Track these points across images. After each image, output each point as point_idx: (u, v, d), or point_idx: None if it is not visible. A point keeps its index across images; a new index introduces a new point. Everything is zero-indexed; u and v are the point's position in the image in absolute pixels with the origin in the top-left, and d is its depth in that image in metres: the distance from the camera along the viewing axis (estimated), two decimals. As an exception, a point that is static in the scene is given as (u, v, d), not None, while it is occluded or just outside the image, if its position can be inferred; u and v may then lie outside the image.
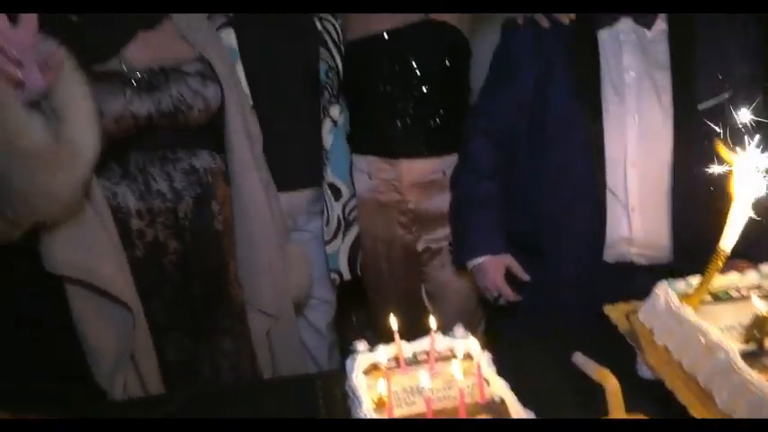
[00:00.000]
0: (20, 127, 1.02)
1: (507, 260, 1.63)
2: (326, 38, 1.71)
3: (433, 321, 1.04)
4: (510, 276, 1.62)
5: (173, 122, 1.27)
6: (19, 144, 1.01)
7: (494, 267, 1.62)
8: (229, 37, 1.56)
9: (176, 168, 1.29)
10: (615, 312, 1.17)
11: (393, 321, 1.05)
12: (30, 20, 1.02)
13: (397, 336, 1.03)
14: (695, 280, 1.09)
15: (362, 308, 2.21)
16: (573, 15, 1.52)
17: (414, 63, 1.76)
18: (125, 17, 1.24)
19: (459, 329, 1.07)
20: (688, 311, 1.02)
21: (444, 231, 1.84)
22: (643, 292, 1.12)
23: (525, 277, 1.61)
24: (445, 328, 1.07)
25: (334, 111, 1.72)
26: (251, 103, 1.55)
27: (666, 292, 1.06)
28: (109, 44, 1.23)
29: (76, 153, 1.07)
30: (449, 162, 1.81)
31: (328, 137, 1.71)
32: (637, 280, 1.44)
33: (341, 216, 1.77)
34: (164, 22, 1.32)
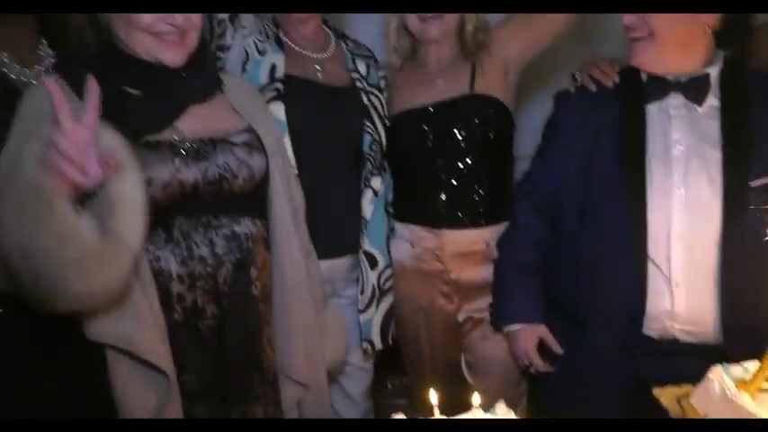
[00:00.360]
0: (70, 232, 1.05)
1: (541, 331, 1.63)
2: (372, 111, 1.77)
3: (476, 398, 1.02)
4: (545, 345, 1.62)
5: (217, 190, 1.31)
6: (68, 249, 1.04)
7: (527, 337, 1.64)
8: (278, 110, 1.62)
9: (218, 234, 1.31)
10: (666, 396, 1.12)
11: (433, 396, 1.03)
12: (91, 115, 1.07)
13: (437, 412, 1.01)
14: (752, 365, 1.03)
15: (398, 374, 2.17)
16: (616, 78, 1.55)
17: (458, 135, 1.79)
18: (181, 91, 1.31)
19: (500, 406, 1.03)
20: (745, 399, 0.96)
21: (486, 302, 1.81)
22: (688, 370, 1.08)
23: (558, 350, 1.61)
24: (486, 402, 1.04)
25: (376, 182, 1.75)
26: (296, 172, 1.59)
27: (722, 378, 1.01)
28: (164, 117, 1.29)
29: (125, 247, 1.11)
30: (492, 233, 1.81)
31: (368, 207, 1.74)
32: (682, 358, 1.39)
33: (375, 285, 1.77)
34: (216, 95, 1.39)
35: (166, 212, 1.27)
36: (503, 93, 1.83)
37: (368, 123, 1.74)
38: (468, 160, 1.80)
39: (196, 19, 1.31)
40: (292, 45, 1.75)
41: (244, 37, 1.68)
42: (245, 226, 1.34)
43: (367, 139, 1.73)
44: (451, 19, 1.80)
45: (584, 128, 1.55)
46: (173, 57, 1.29)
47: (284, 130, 1.60)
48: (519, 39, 1.84)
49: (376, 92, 1.80)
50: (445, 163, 1.79)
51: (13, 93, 1.39)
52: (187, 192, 1.27)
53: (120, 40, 1.27)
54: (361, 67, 1.81)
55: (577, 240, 1.57)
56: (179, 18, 1.27)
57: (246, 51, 1.67)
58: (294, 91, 1.66)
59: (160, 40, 1.27)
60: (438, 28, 1.80)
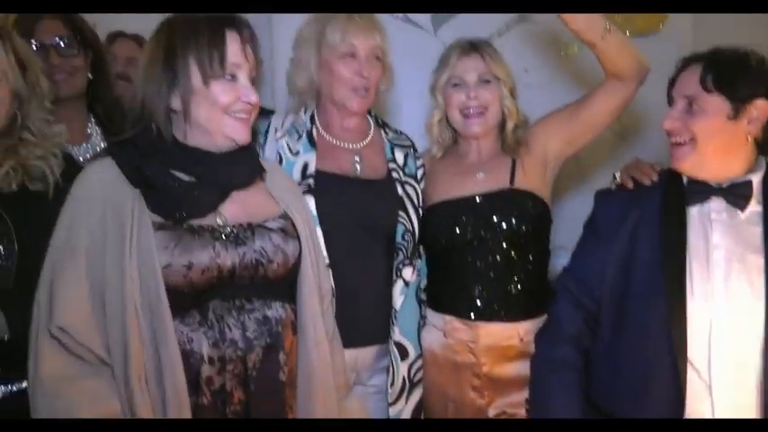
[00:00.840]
0: None
1: None
2: (407, 201, 1.79)
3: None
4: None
5: (253, 274, 1.34)
6: None
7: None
8: (309, 203, 1.66)
9: (250, 318, 1.33)
10: None
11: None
12: None
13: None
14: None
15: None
16: (655, 177, 1.57)
17: (496, 228, 1.80)
18: (228, 177, 1.37)
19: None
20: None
21: (519, 397, 1.76)
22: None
23: None
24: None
25: (407, 272, 1.76)
26: (327, 261, 1.61)
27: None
28: (211, 202, 1.34)
29: None
30: (527, 328, 1.79)
31: (399, 297, 1.73)
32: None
33: (406, 377, 1.74)
34: (256, 182, 1.44)
35: (202, 295, 1.30)
36: (541, 187, 1.85)
37: (402, 214, 1.76)
38: (504, 253, 1.80)
39: (256, 98, 1.37)
40: (329, 138, 1.81)
41: (277, 140, 1.76)
42: (275, 310, 1.36)
43: (400, 229, 1.75)
44: (493, 116, 1.87)
45: (624, 226, 1.55)
46: (246, 135, 1.36)
47: (315, 224, 1.62)
48: (558, 135, 1.87)
49: (412, 182, 1.83)
50: (482, 255, 1.79)
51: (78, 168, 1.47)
52: (224, 276, 1.31)
53: (177, 126, 1.34)
54: (399, 157, 1.85)
55: (615, 338, 1.54)
56: (253, 96, 1.34)
57: (280, 154, 1.75)
58: (326, 185, 1.70)
59: (236, 119, 1.33)
60: (480, 124, 1.85)
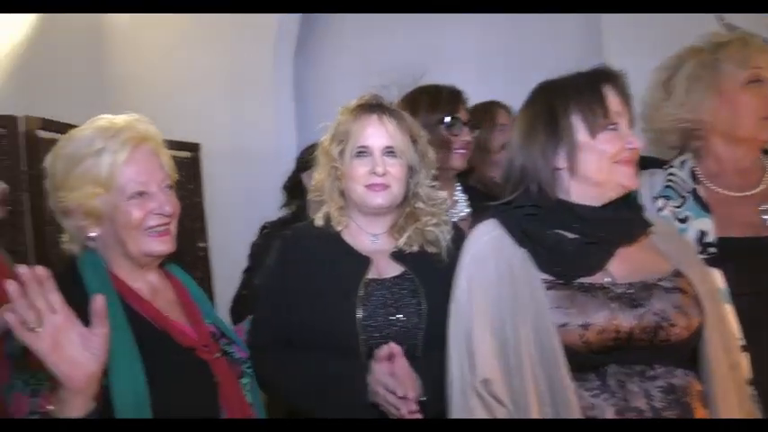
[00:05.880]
0: None
1: None
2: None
3: None
4: None
5: (652, 338, 1.24)
6: None
7: None
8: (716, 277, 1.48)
9: (654, 386, 1.22)
10: None
11: None
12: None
13: None
14: None
15: None
16: None
17: None
18: (613, 234, 1.32)
19: None
20: None
21: None
22: None
23: None
24: None
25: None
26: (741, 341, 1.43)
27: None
28: (598, 260, 1.31)
29: None
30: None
31: None
32: None
33: None
34: (642, 237, 1.36)
35: (597, 357, 1.24)
36: None
37: None
38: None
39: (639, 143, 1.34)
40: (719, 189, 1.63)
41: (658, 212, 1.62)
42: (680, 378, 1.24)
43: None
44: None
45: None
46: (635, 180, 1.34)
47: (725, 300, 1.45)
48: None
49: None
50: None
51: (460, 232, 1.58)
52: (621, 337, 1.23)
53: (559, 185, 1.34)
54: None
55: None
56: (636, 142, 1.32)
57: None
58: (732, 252, 1.51)
59: (624, 164, 1.31)
60: None
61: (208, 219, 3.22)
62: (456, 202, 1.91)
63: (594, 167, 1.31)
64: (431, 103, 1.87)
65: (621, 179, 1.31)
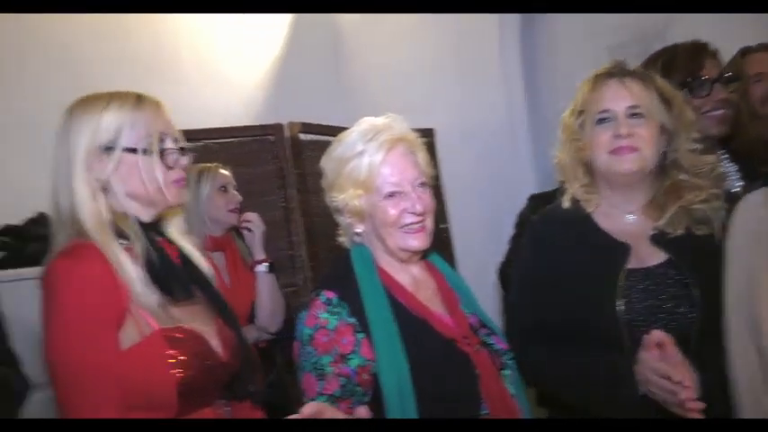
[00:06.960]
0: None
1: None
2: None
3: None
4: None
5: None
6: None
7: None
8: None
9: None
10: None
11: None
12: None
13: None
14: None
15: None
16: None
17: None
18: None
19: None
20: None
21: None
22: None
23: None
24: None
25: None
26: None
27: None
28: None
29: None
30: None
31: None
32: None
33: None
34: None
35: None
36: None
37: None
38: None
39: None
40: None
41: None
42: None
43: None
44: None
45: None
46: None
47: None
48: None
49: None
50: None
51: None
52: None
53: None
54: None
55: None
56: None
57: None
58: None
59: None
60: None
61: (446, 200, 3.32)
62: (724, 175, 1.65)
63: None
64: (665, 68, 1.64)
65: None
